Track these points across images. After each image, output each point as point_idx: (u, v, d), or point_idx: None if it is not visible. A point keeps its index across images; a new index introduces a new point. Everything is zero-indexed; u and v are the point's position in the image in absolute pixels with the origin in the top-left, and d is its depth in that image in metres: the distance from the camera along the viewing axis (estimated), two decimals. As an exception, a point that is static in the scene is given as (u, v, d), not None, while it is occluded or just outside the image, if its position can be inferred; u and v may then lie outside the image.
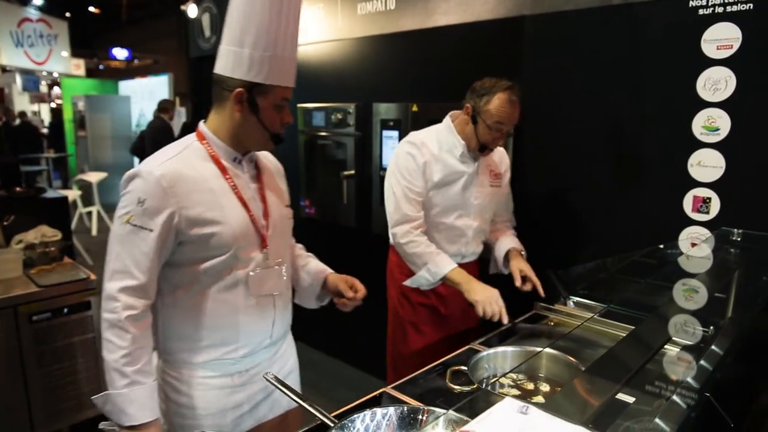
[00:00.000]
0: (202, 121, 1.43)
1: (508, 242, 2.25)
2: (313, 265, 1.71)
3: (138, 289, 1.30)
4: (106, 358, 1.29)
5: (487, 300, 1.88)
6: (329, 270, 1.71)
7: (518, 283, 2.08)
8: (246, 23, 1.29)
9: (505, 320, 1.86)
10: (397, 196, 2.08)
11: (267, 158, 1.56)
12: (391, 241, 2.16)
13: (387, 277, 2.35)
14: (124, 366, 1.27)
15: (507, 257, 2.22)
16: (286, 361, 1.62)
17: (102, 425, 1.37)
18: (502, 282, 2.09)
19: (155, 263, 1.31)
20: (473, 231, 2.19)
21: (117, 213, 1.32)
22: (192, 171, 1.33)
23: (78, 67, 13.49)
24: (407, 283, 2.13)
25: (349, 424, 1.19)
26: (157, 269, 1.33)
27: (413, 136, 2.15)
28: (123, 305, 1.28)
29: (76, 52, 13.43)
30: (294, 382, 1.64)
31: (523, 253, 2.23)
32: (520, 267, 2.12)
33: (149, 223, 1.28)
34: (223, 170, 1.38)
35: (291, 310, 1.59)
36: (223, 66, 1.33)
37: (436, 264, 2.02)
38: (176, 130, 7.97)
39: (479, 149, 2.07)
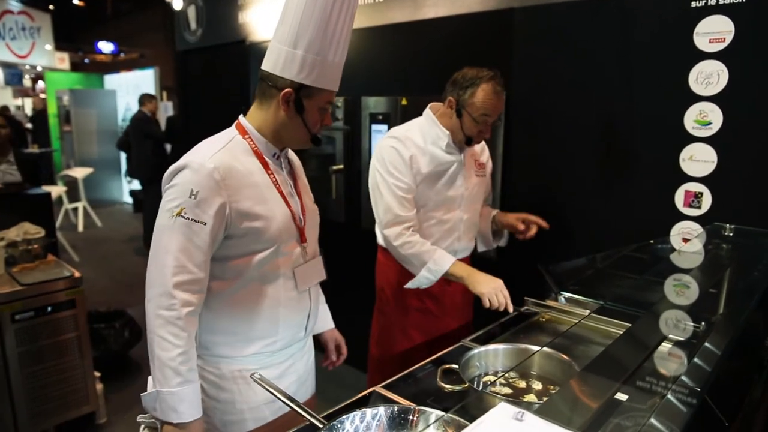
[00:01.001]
0: (241, 114, 1.44)
1: (489, 212, 2.29)
2: (320, 314, 1.76)
3: (194, 283, 1.30)
4: (159, 355, 1.28)
5: (493, 291, 1.84)
6: (330, 325, 1.81)
7: (522, 227, 2.12)
8: (303, 25, 1.29)
9: (510, 309, 1.86)
10: (385, 196, 1.99)
11: (292, 154, 1.59)
12: (382, 242, 2.09)
13: (378, 278, 2.29)
14: (180, 365, 1.28)
15: (495, 222, 2.26)
16: (310, 353, 1.67)
17: (140, 418, 1.37)
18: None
19: (208, 256, 1.32)
20: (465, 224, 2.16)
21: (165, 206, 1.30)
22: (239, 164, 1.34)
23: (62, 60, 13.25)
24: (408, 285, 2.05)
25: (338, 425, 1.17)
26: (209, 263, 1.33)
27: (395, 131, 2.07)
28: (181, 302, 1.27)
29: (60, 46, 13.19)
30: (314, 374, 1.72)
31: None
32: (516, 216, 2.16)
33: (202, 216, 1.28)
34: (265, 165, 1.40)
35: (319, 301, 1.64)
36: (273, 64, 1.34)
37: (435, 262, 1.95)
38: (163, 125, 7.87)
39: (465, 142, 2.02)
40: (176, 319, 1.27)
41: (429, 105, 2.11)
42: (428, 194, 2.05)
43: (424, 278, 1.98)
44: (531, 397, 1.39)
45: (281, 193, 1.42)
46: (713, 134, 2.01)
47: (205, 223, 1.28)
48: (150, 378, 1.33)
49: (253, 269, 1.38)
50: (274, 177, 1.41)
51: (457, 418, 1.12)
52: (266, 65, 1.36)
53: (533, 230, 2.12)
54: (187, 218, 1.27)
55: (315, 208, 1.58)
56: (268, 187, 1.39)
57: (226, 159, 1.32)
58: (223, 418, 1.46)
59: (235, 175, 1.32)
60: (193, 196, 1.27)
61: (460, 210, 2.12)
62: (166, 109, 9.80)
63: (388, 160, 1.99)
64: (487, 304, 1.85)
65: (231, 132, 1.42)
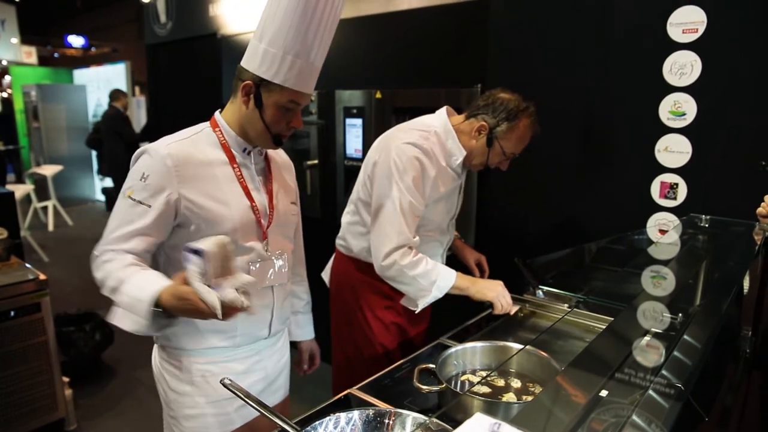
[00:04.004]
0: (218, 110, 1.44)
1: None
2: (302, 322, 1.82)
3: (129, 252, 1.30)
4: (104, 283, 1.28)
5: (500, 295, 1.82)
6: (310, 336, 1.84)
7: (477, 273, 2.13)
8: (268, 19, 1.29)
9: (512, 312, 1.85)
10: (406, 215, 1.77)
11: (278, 154, 1.59)
12: (383, 263, 1.79)
13: (348, 297, 2.07)
14: (113, 275, 1.26)
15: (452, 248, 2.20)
16: (282, 354, 1.65)
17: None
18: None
19: (151, 241, 1.32)
20: (449, 240, 2.10)
21: (123, 187, 1.34)
22: (199, 155, 1.35)
23: (29, 54, 12.87)
24: (406, 303, 1.92)
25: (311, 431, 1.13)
26: (153, 247, 1.34)
27: (416, 137, 1.82)
28: (116, 251, 1.30)
29: (27, 39, 12.81)
30: (286, 376, 1.69)
31: (461, 239, 2.28)
32: (475, 257, 2.17)
33: (149, 199, 1.29)
34: (231, 158, 1.40)
35: (289, 303, 1.63)
36: (243, 58, 1.35)
37: (443, 278, 1.81)
38: (135, 120, 7.70)
39: (484, 170, 1.95)
40: (102, 262, 1.29)
41: (445, 108, 1.93)
42: (434, 216, 1.92)
43: (432, 298, 1.83)
44: (510, 396, 1.36)
45: (244, 187, 1.40)
46: (688, 125, 2.01)
47: (149, 206, 1.29)
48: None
49: None
50: (239, 171, 1.41)
51: (436, 420, 1.09)
52: (242, 59, 1.36)
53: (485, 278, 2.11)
54: (134, 200, 1.30)
55: (291, 209, 1.57)
56: (228, 180, 1.38)
57: (184, 147, 1.34)
58: (185, 412, 1.45)
59: (189, 163, 1.32)
60: (143, 179, 1.29)
61: (452, 227, 2.07)
62: (138, 105, 9.60)
63: (410, 173, 1.77)
64: (499, 309, 1.83)
65: (202, 125, 1.43)
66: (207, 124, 1.43)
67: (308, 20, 1.28)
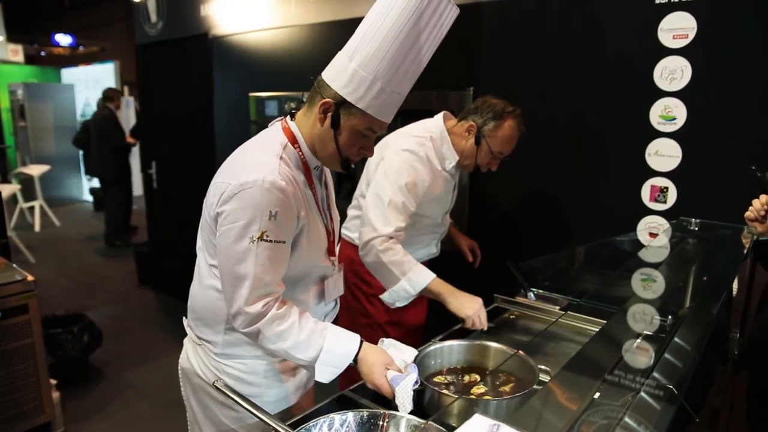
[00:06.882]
0: (288, 117, 1.37)
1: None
2: None
3: (278, 298, 1.29)
4: (292, 346, 1.28)
5: (476, 313, 1.79)
6: None
7: (470, 258, 2.29)
8: (364, 39, 1.23)
9: (486, 328, 1.80)
10: (392, 208, 1.86)
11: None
12: (362, 251, 1.91)
13: (349, 280, 2.17)
14: (302, 332, 1.29)
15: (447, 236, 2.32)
16: None
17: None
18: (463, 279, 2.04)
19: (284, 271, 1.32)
20: (442, 233, 2.22)
21: (239, 230, 1.22)
22: (295, 176, 1.31)
23: (16, 53, 12.71)
24: (385, 298, 1.94)
25: (305, 433, 1.13)
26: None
27: (413, 144, 1.94)
28: (270, 318, 1.27)
29: (13, 37, 12.65)
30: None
31: (455, 225, 2.38)
32: (468, 243, 2.30)
33: (283, 235, 1.26)
34: (309, 180, 1.36)
35: None
36: (327, 70, 1.30)
37: (417, 274, 1.84)
38: (123, 120, 7.64)
39: (473, 170, 2.04)
40: (271, 320, 1.27)
41: (443, 114, 2.05)
42: (429, 212, 2.06)
43: (402, 290, 1.87)
44: (505, 388, 1.36)
45: (319, 208, 1.40)
46: (677, 129, 2.03)
47: (284, 242, 1.27)
48: (316, 370, 1.33)
49: (288, 280, 1.35)
50: (315, 191, 1.38)
51: (433, 424, 1.10)
52: (324, 71, 1.31)
53: (477, 263, 2.32)
54: (271, 241, 1.23)
55: (338, 219, 1.56)
56: (310, 201, 1.36)
57: (286, 172, 1.26)
58: (264, 399, 1.44)
59: (295, 187, 1.28)
60: (273, 217, 1.22)
61: (443, 222, 2.18)
62: (128, 105, 9.53)
63: (405, 177, 1.88)
64: (470, 326, 1.81)
65: (280, 137, 1.33)
66: (284, 137, 1.33)
67: (406, 51, 1.23)
